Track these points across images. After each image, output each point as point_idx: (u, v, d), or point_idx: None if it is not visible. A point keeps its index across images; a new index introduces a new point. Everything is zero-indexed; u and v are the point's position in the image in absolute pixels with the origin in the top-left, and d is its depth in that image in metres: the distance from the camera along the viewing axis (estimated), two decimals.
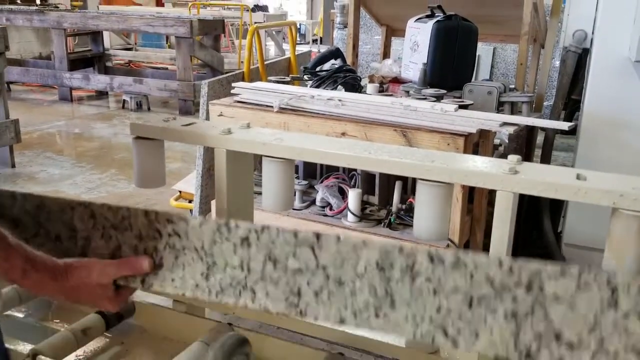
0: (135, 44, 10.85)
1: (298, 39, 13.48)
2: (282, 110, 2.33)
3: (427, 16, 2.75)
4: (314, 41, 13.21)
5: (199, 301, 0.91)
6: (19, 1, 9.19)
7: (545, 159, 3.09)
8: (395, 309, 0.70)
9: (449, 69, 2.67)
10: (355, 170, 2.54)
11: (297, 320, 0.80)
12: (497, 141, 2.64)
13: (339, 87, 2.63)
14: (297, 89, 2.58)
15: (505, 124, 2.11)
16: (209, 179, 3.00)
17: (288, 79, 2.82)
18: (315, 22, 14.14)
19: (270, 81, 2.75)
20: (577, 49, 2.92)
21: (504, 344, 0.63)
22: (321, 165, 2.68)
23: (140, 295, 1.18)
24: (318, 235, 0.74)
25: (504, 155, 2.80)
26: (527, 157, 3.12)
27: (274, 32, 10.18)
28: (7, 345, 1.00)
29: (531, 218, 2.97)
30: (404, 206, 2.41)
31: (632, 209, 0.68)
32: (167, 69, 8.99)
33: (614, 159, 2.64)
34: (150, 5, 14.08)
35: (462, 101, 2.34)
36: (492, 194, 2.57)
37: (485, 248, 2.65)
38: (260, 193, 0.96)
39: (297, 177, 2.68)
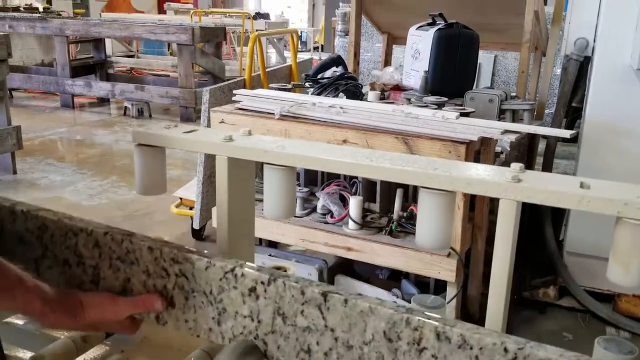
0: (137, 51, 10.88)
1: (299, 46, 13.51)
2: (284, 117, 2.33)
3: (429, 24, 2.75)
4: (315, 49, 13.24)
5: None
6: (22, 8, 9.23)
7: (547, 167, 3.09)
8: None
9: (450, 76, 2.67)
10: (356, 177, 2.53)
11: None
12: (498, 149, 2.64)
13: (341, 94, 2.63)
14: (298, 96, 2.59)
15: (506, 131, 2.10)
16: (209, 186, 2.99)
17: (289, 86, 2.82)
18: (316, 29, 14.18)
19: (271, 88, 2.75)
20: (578, 57, 2.92)
21: None
22: (322, 172, 2.68)
23: None
24: (325, 295, 0.75)
25: (505, 163, 2.79)
26: (529, 164, 3.12)
27: (275, 40, 10.21)
28: (6, 352, 0.99)
29: (533, 226, 2.96)
30: (405, 214, 2.40)
31: (637, 217, 0.67)
32: (168, 76, 9.01)
33: (615, 166, 2.63)
34: (153, 12, 14.15)
35: (464, 109, 2.34)
36: (493, 201, 2.57)
37: (487, 256, 2.64)
38: (261, 200, 0.95)
39: (298, 184, 2.68)
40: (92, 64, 8.10)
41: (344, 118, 2.26)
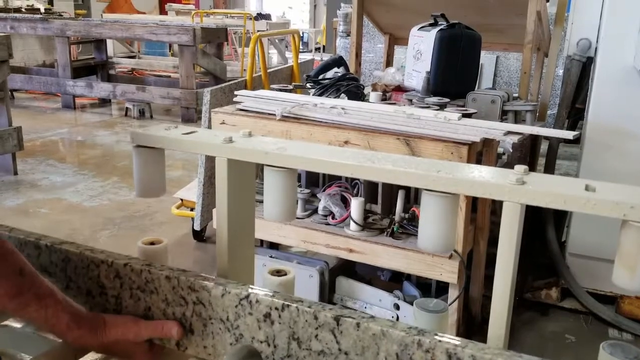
0: (139, 52, 10.89)
1: (301, 47, 13.50)
2: (285, 118, 2.32)
3: (431, 24, 2.74)
4: (317, 49, 13.24)
5: None
6: (23, 9, 9.23)
7: (549, 168, 3.07)
8: None
9: (452, 77, 2.66)
10: (357, 178, 2.52)
11: None
12: (500, 150, 2.63)
13: (342, 95, 2.62)
14: (299, 97, 2.58)
15: (509, 132, 2.09)
16: (210, 187, 2.98)
17: (291, 87, 2.81)
18: (318, 30, 14.18)
19: (272, 89, 2.74)
20: (581, 58, 2.91)
21: None
22: (324, 173, 2.67)
23: None
24: (337, 319, 0.77)
25: (507, 164, 2.78)
26: (531, 165, 3.10)
27: (277, 41, 10.21)
28: (2, 355, 0.99)
29: (535, 228, 2.95)
30: (407, 215, 2.39)
31: None
32: (170, 77, 9.01)
33: (618, 168, 2.62)
34: (154, 13, 14.15)
35: (466, 110, 2.33)
36: (495, 202, 2.55)
37: (489, 257, 2.63)
38: (262, 201, 0.94)
39: (300, 186, 2.67)
40: (93, 65, 8.10)
41: (345, 119, 2.25)
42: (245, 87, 3.07)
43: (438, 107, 2.39)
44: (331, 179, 2.64)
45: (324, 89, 2.63)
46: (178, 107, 7.06)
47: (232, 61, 9.99)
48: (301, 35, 14.29)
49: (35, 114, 7.22)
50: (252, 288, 0.87)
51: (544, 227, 2.89)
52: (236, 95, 2.56)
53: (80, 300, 1.01)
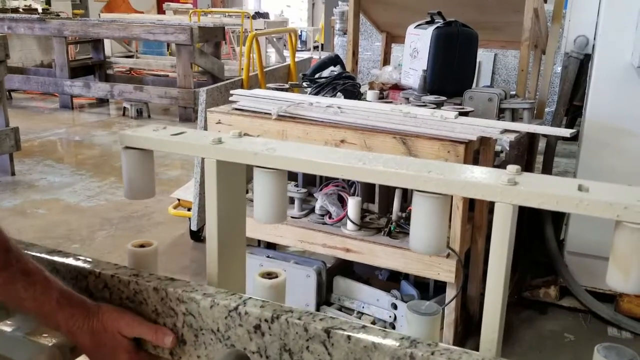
0: (137, 51, 10.86)
1: (299, 45, 13.49)
2: (281, 117, 2.31)
3: (427, 22, 2.72)
4: (315, 48, 13.21)
5: None
6: (21, 9, 9.21)
7: (547, 166, 3.06)
8: None
9: (449, 75, 2.64)
10: None
11: None
12: (498, 148, 2.61)
13: (338, 94, 2.60)
14: (295, 96, 2.56)
15: (506, 131, 2.08)
16: None
17: (287, 86, 2.80)
18: (316, 28, 14.15)
19: (269, 88, 2.72)
20: (578, 55, 2.89)
21: None
22: None
23: None
24: (328, 332, 0.76)
25: (505, 163, 2.77)
26: (529, 163, 3.09)
27: (274, 39, 10.18)
28: None
29: (533, 226, 2.94)
30: (404, 214, 2.38)
31: (637, 221, 0.65)
32: (167, 76, 8.99)
33: (616, 165, 2.61)
34: (152, 13, 14.13)
35: (463, 108, 2.31)
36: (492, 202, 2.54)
37: (487, 256, 2.62)
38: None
39: (297, 185, 2.66)
40: (91, 65, 8.09)
41: (341, 118, 2.24)
42: (242, 86, 3.05)
43: (435, 106, 2.37)
44: (328, 179, 2.63)
45: (320, 88, 2.61)
46: (176, 106, 7.04)
47: (230, 60, 9.98)
48: (299, 33, 14.27)
49: (32, 114, 7.20)
50: (240, 298, 0.85)
51: (542, 225, 2.88)
52: (232, 95, 2.55)
53: None
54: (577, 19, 2.92)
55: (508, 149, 2.05)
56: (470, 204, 2.31)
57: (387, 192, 2.49)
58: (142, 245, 1.00)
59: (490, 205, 2.27)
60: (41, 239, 3.26)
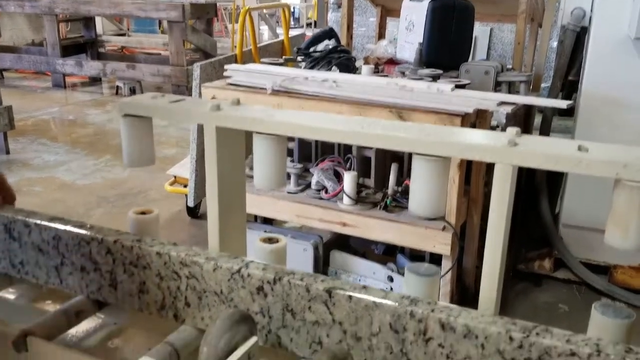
0: (128, 29, 10.75)
1: (292, 23, 13.36)
2: (276, 92, 2.30)
3: None
4: (309, 25, 13.10)
5: None
6: None
7: None
8: None
9: (446, 48, 2.63)
10: (350, 152, 2.51)
11: None
12: (494, 122, 2.62)
13: (334, 68, 2.59)
14: (290, 70, 2.55)
15: (502, 103, 2.08)
16: (203, 163, 2.96)
17: (281, 60, 2.78)
18: (309, 5, 14.00)
19: (263, 63, 2.71)
20: (575, 27, 2.88)
21: None
22: (316, 148, 2.66)
23: None
24: (329, 292, 0.78)
25: None
26: None
27: (267, 16, 10.09)
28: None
29: (529, 199, 2.95)
30: (400, 188, 2.38)
31: (636, 179, 0.65)
32: (160, 54, 8.91)
33: (612, 139, 2.61)
34: None
35: (459, 81, 2.31)
36: (489, 174, 2.55)
37: (483, 231, 2.63)
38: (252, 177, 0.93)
39: (293, 161, 2.66)
40: (82, 43, 8.01)
41: (337, 92, 2.23)
42: (236, 62, 3.03)
43: (431, 79, 2.37)
44: (324, 154, 2.63)
45: (315, 62, 2.60)
46: (169, 84, 6.99)
47: (222, 38, 9.89)
48: (292, 10, 14.12)
49: (25, 93, 7.15)
50: (243, 261, 0.86)
51: (537, 198, 2.90)
52: (226, 70, 2.53)
53: (77, 277, 1.01)
54: None
55: (505, 121, 2.05)
56: (467, 178, 2.32)
57: (383, 166, 2.49)
58: (143, 213, 1.00)
59: (486, 179, 2.27)
60: None
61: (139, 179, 4.15)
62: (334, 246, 2.61)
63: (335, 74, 2.45)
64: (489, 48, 5.12)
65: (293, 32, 4.39)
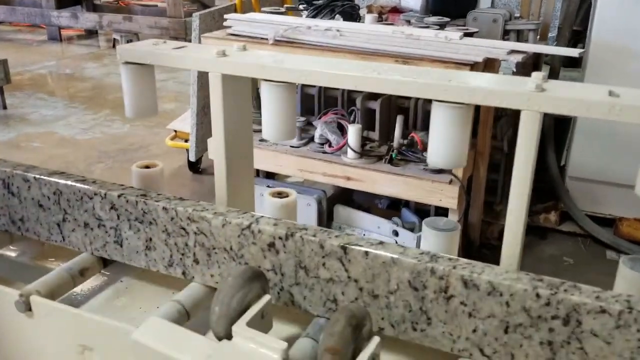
0: None
1: None
2: (278, 42, 2.23)
3: None
4: None
5: None
6: None
7: None
8: (432, 325, 0.71)
9: None
10: (354, 105, 2.45)
11: None
12: (500, 73, 2.55)
13: (337, 16, 2.51)
14: (292, 19, 2.47)
15: (512, 51, 2.01)
16: (204, 117, 2.91)
17: (283, 9, 2.69)
18: None
19: (264, 12, 2.62)
20: None
21: None
22: (319, 100, 2.60)
23: None
24: (344, 248, 0.74)
25: None
26: None
27: None
28: None
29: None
30: (405, 141, 2.34)
31: None
32: (157, 6, 8.70)
33: None
34: None
35: (467, 29, 2.23)
36: (496, 127, 2.50)
37: (489, 183, 2.60)
38: (259, 131, 0.89)
39: None
40: None
41: (341, 42, 2.16)
42: (236, 11, 2.94)
43: (438, 27, 2.29)
44: (327, 106, 2.57)
45: (317, 10, 2.52)
46: (167, 37, 6.85)
47: None
48: None
49: (20, 47, 7.01)
50: (253, 216, 0.82)
51: (543, 150, 2.86)
52: (226, 20, 2.45)
53: (80, 234, 0.98)
54: None
55: (515, 70, 1.99)
56: (474, 131, 2.27)
57: (388, 119, 2.44)
58: (146, 167, 0.96)
59: (493, 132, 2.22)
60: None
61: (139, 134, 4.10)
62: (337, 201, 2.58)
63: (339, 23, 2.37)
64: None
65: None
